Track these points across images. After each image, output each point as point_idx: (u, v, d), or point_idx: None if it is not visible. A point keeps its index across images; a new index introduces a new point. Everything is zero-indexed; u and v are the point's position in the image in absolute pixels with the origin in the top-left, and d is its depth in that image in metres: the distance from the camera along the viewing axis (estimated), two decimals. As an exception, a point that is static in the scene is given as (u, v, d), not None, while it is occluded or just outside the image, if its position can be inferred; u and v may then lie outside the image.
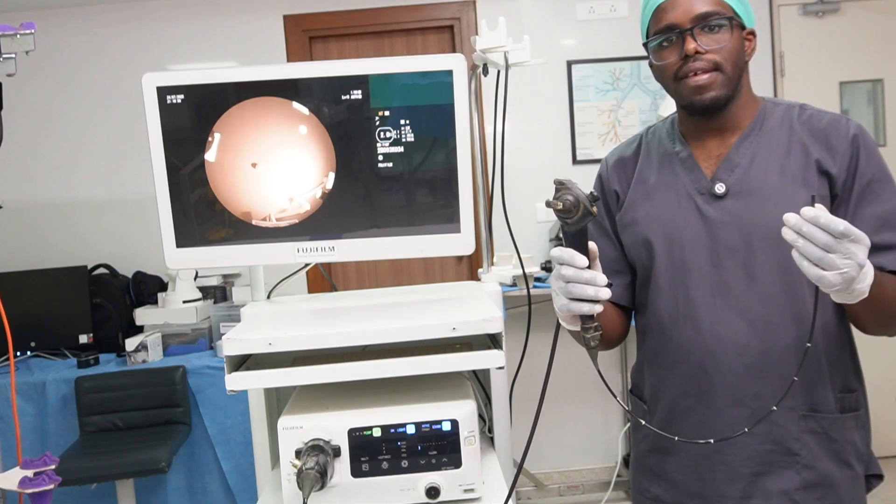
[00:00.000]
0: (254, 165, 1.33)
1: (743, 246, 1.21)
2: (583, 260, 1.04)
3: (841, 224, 0.96)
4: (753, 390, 1.21)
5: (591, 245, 1.07)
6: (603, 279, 1.05)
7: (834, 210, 1.20)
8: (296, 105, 1.31)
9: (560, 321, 1.15)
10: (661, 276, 1.28)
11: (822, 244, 0.97)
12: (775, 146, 1.24)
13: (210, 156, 1.32)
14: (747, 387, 1.21)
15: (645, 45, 1.29)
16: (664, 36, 1.23)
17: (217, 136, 1.32)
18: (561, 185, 1.00)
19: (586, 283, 1.04)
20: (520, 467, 1.12)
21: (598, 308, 1.06)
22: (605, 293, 1.05)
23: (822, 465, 1.22)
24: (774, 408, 1.11)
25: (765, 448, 1.22)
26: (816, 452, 1.22)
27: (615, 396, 1.15)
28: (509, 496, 1.11)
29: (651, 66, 1.29)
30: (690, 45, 1.19)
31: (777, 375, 1.20)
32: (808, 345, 1.08)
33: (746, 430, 1.13)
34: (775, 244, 1.16)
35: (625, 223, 1.34)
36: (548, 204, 1.01)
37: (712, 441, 1.15)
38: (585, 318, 1.08)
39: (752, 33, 1.26)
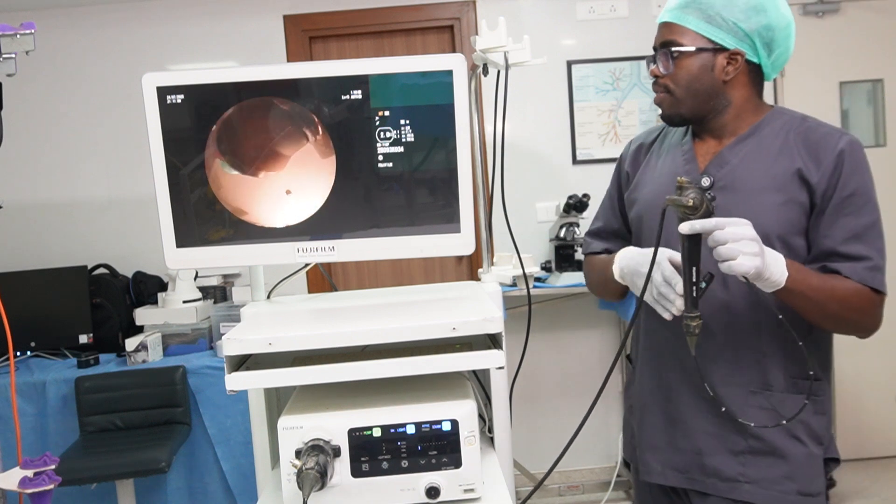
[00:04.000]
0: (250, 167, 1.32)
1: None
2: (679, 290, 1.23)
3: (711, 220, 1.14)
4: (707, 366, 1.34)
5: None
6: (678, 298, 1.24)
7: (813, 219, 1.30)
8: (295, 105, 1.31)
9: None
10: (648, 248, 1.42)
11: (714, 242, 1.15)
12: (766, 151, 1.34)
13: (209, 156, 1.32)
14: (702, 360, 1.33)
15: (647, 61, 1.44)
16: (652, 54, 1.40)
17: (216, 136, 1.32)
18: (688, 184, 1.15)
19: (668, 299, 1.25)
20: (543, 479, 1.12)
21: (669, 316, 1.27)
22: (680, 304, 1.24)
23: (770, 436, 1.32)
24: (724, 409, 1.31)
25: (717, 411, 1.34)
26: (765, 424, 1.32)
27: (715, 396, 1.16)
28: None
29: None
30: (651, 69, 1.39)
31: (731, 354, 1.33)
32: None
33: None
34: None
35: (630, 201, 1.52)
36: (672, 201, 1.14)
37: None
38: (689, 308, 1.21)
39: (739, 53, 1.33)
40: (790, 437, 1.32)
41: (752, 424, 1.30)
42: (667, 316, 1.27)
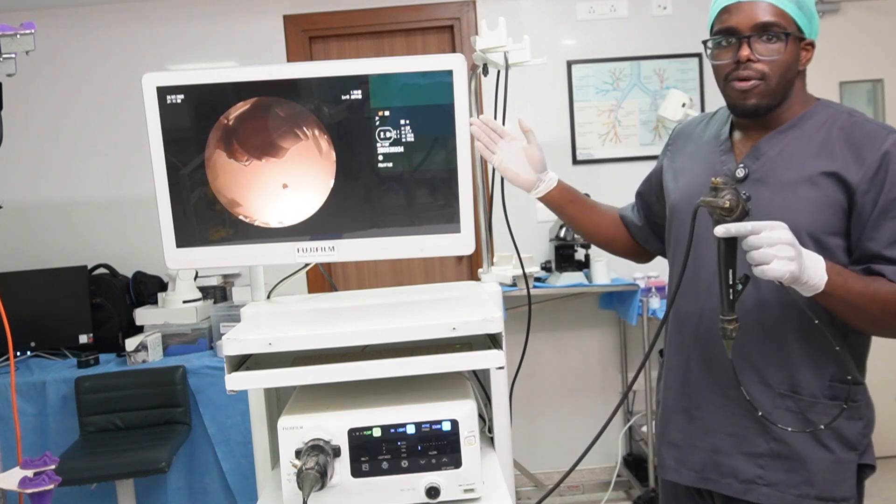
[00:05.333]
0: (247, 163, 1.32)
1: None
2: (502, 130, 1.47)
3: (747, 225, 1.11)
4: (737, 365, 1.29)
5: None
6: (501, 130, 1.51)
7: (855, 220, 1.25)
8: (295, 105, 1.31)
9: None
10: (680, 243, 1.39)
11: (748, 247, 1.12)
12: (805, 145, 1.29)
13: (209, 155, 1.32)
14: (725, 356, 1.28)
15: (704, 42, 1.35)
16: (723, 37, 1.29)
17: (216, 136, 1.32)
18: (723, 185, 1.12)
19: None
20: (555, 486, 1.12)
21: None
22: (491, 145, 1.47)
23: (793, 440, 1.28)
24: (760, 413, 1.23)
25: (739, 412, 1.32)
26: (801, 429, 1.28)
27: (744, 393, 1.25)
28: None
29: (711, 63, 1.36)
30: (744, 52, 1.26)
31: (760, 355, 1.30)
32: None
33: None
34: None
35: (667, 190, 1.51)
36: (707, 202, 1.12)
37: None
38: (726, 311, 1.18)
39: (812, 44, 1.31)
40: (815, 443, 1.28)
41: (790, 429, 1.26)
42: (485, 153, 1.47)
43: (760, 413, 1.26)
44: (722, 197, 1.11)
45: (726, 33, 1.28)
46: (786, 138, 1.31)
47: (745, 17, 1.26)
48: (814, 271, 1.15)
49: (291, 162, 1.33)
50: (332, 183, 1.33)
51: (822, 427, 1.25)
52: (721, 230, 1.12)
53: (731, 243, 1.15)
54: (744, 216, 1.12)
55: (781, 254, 1.10)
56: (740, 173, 1.33)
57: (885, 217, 1.22)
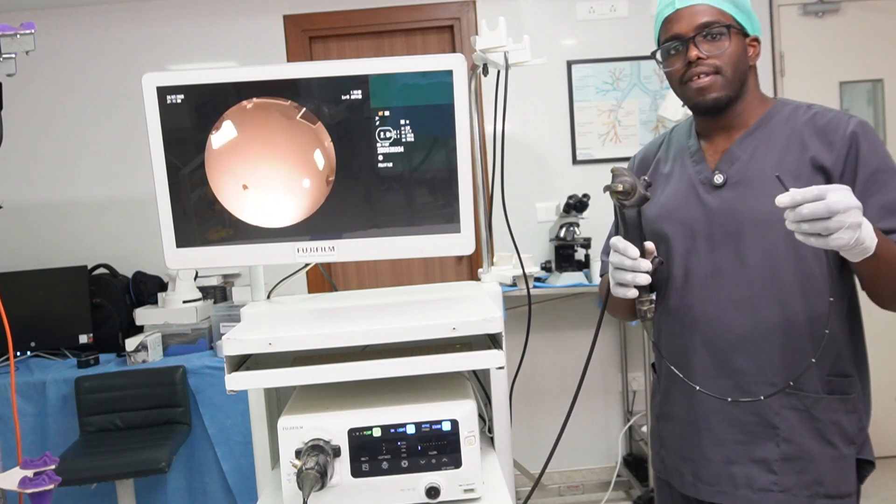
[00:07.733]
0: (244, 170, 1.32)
1: (735, 232, 1.31)
2: (635, 251, 1.20)
3: (813, 189, 1.04)
4: (736, 365, 1.31)
5: (650, 245, 1.22)
6: (646, 266, 1.20)
7: None
8: (296, 105, 1.31)
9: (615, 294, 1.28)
10: (671, 257, 1.38)
11: (813, 215, 1.03)
12: (776, 142, 1.32)
13: (209, 156, 1.32)
14: (730, 361, 1.31)
15: (654, 52, 1.42)
16: (670, 45, 1.35)
17: (216, 136, 1.32)
18: (618, 171, 1.15)
19: (628, 269, 1.20)
20: (538, 479, 1.12)
21: (633, 293, 1.21)
22: (642, 279, 1.20)
23: (802, 440, 1.29)
24: (791, 383, 1.25)
25: (747, 419, 1.31)
26: (797, 428, 1.29)
27: (679, 373, 1.27)
28: None
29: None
30: (692, 52, 1.31)
31: (759, 352, 1.30)
32: (826, 332, 1.20)
33: (729, 399, 1.29)
34: (763, 231, 1.28)
35: (644, 216, 1.45)
36: (607, 188, 1.14)
37: (697, 387, 1.31)
38: (641, 292, 1.20)
39: (757, 40, 1.36)
40: (821, 440, 1.28)
41: (729, 399, 1.28)
42: (630, 293, 1.21)
43: (698, 388, 1.29)
44: (616, 182, 1.14)
45: (672, 40, 1.35)
46: (755, 140, 1.34)
47: (686, 22, 1.32)
48: (867, 232, 1.08)
49: (291, 162, 1.33)
50: (332, 183, 1.33)
51: (763, 397, 1.26)
52: (786, 198, 1.05)
53: (637, 222, 1.18)
54: (643, 201, 1.15)
55: (851, 219, 1.04)
56: (718, 180, 1.34)
57: (868, 194, 1.24)
